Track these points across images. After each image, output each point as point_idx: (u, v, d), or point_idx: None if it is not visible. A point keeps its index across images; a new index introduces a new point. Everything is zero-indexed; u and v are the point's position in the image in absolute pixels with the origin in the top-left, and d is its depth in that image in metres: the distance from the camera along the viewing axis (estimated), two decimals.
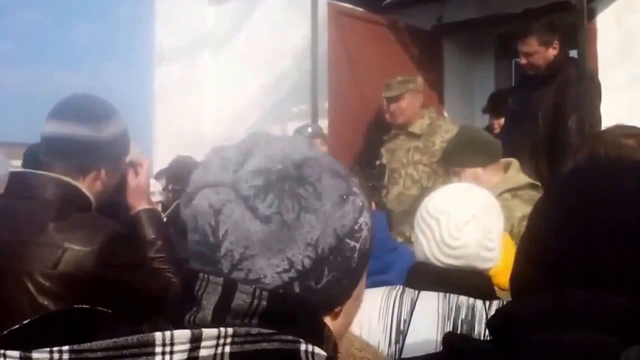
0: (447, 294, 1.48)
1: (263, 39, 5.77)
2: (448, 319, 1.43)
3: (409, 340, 1.45)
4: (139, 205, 1.76)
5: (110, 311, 0.73)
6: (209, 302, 0.68)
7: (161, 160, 5.11)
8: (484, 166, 2.82)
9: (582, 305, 0.67)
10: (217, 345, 0.63)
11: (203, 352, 0.62)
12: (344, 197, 0.74)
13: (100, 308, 0.73)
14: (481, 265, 1.51)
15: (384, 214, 2.20)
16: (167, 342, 0.61)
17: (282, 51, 5.58)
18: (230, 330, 0.63)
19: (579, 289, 0.68)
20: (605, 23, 4.40)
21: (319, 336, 0.71)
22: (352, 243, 0.74)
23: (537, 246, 0.76)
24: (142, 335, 0.61)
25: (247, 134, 0.77)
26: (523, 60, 3.70)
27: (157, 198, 4.35)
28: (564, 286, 0.69)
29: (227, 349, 0.63)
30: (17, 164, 3.61)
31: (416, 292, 1.52)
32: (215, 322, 0.66)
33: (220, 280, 0.68)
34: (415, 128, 3.90)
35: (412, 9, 5.17)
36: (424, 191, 3.73)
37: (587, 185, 0.75)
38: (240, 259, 0.69)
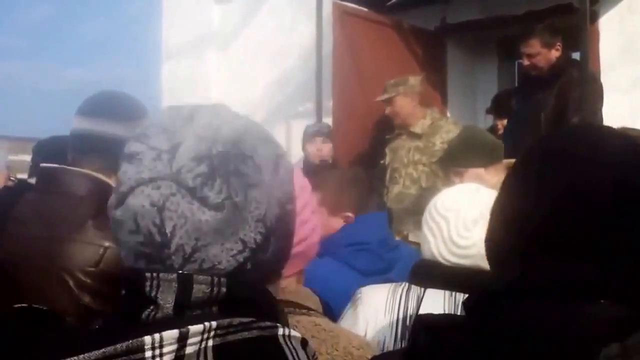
0: (453, 292, 1.47)
1: (269, 37, 5.77)
2: None
3: None
4: None
5: (46, 309, 0.71)
6: (167, 301, 0.65)
7: None
8: (486, 167, 2.81)
9: (549, 274, 0.66)
10: (201, 341, 0.61)
11: (189, 350, 0.61)
12: (277, 162, 0.72)
13: (36, 306, 0.71)
14: (487, 265, 1.50)
15: (385, 214, 2.19)
16: (157, 344, 0.60)
17: (288, 50, 5.57)
18: (214, 324, 0.62)
19: (547, 258, 0.67)
20: (607, 25, 4.38)
21: (276, 313, 0.71)
22: (290, 206, 0.74)
23: (511, 215, 0.74)
24: (130, 342, 0.59)
25: (164, 113, 0.72)
26: (526, 62, 3.69)
27: None
28: (537, 254, 0.68)
29: (210, 342, 0.62)
30: (26, 159, 3.61)
31: (422, 289, 1.51)
32: (177, 318, 0.65)
33: (173, 276, 0.65)
34: (417, 128, 3.89)
35: (416, 10, 5.16)
36: (424, 191, 3.73)
37: (559, 150, 0.73)
38: (193, 252, 0.66)
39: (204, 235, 0.66)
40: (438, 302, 1.46)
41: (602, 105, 3.52)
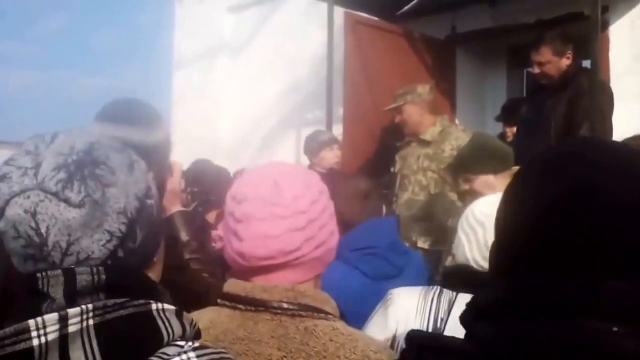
0: None
1: (280, 46, 5.79)
2: None
3: None
4: (173, 208, 1.74)
5: None
6: (57, 293, 0.76)
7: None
8: (495, 173, 2.80)
9: (532, 292, 0.65)
10: (81, 321, 0.72)
11: (71, 329, 0.71)
12: (131, 165, 0.85)
13: None
14: None
15: (394, 219, 2.17)
16: (40, 326, 0.70)
17: (299, 59, 5.59)
18: (90, 306, 0.73)
19: (530, 276, 0.67)
20: (618, 33, 4.36)
21: (155, 291, 0.82)
22: (150, 201, 0.86)
23: (500, 234, 0.75)
24: (17, 325, 0.70)
25: (28, 140, 0.82)
26: (536, 70, 3.67)
27: None
28: (525, 270, 0.68)
29: (91, 321, 0.72)
30: None
31: (454, 293, 1.51)
32: (69, 305, 0.75)
33: (58, 272, 0.76)
34: (427, 135, 3.88)
35: (426, 19, 5.17)
36: (432, 198, 3.72)
37: (547, 165, 0.71)
38: (68, 246, 0.77)
39: (73, 230, 0.77)
40: None
41: (612, 112, 3.50)
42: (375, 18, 4.90)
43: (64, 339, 0.71)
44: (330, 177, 3.85)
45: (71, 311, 0.72)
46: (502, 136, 4.69)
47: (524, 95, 5.43)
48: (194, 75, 6.39)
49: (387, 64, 4.70)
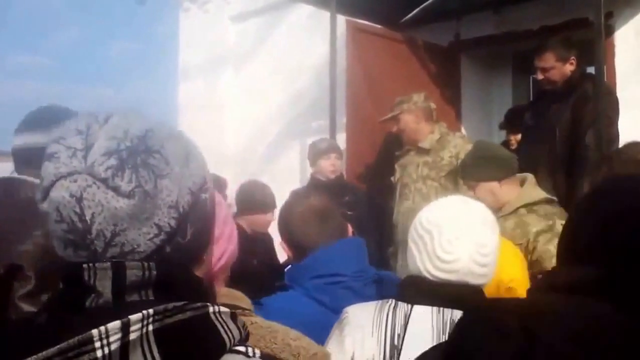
0: (441, 308, 1.41)
1: (283, 56, 5.76)
2: (443, 334, 1.36)
3: (404, 355, 1.37)
4: None
5: None
6: (105, 287, 0.71)
7: None
8: (499, 180, 2.76)
9: (564, 277, 0.83)
10: (142, 327, 0.68)
11: (133, 336, 0.67)
12: (187, 156, 0.79)
13: None
14: (473, 280, 1.44)
15: (361, 240, 1.83)
16: (104, 335, 0.66)
17: (302, 68, 5.55)
18: (151, 311, 0.68)
19: (564, 264, 0.87)
20: (623, 39, 4.28)
21: (203, 291, 0.78)
22: (205, 195, 0.80)
23: (570, 235, 0.91)
24: (81, 336, 0.65)
25: (80, 117, 0.77)
26: (540, 76, 3.62)
27: None
28: (561, 262, 0.90)
29: (150, 327, 0.68)
30: None
31: (409, 306, 1.44)
32: (117, 301, 0.71)
33: (107, 264, 0.71)
34: (425, 143, 3.85)
35: (429, 26, 5.11)
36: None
37: (608, 205, 0.87)
38: (112, 236, 0.72)
39: (120, 220, 0.71)
40: (426, 319, 1.41)
41: (618, 118, 3.43)
42: (378, 26, 4.85)
43: (124, 348, 0.67)
44: (334, 187, 3.79)
45: (133, 318, 0.67)
46: (506, 144, 4.62)
47: (531, 100, 5.36)
48: (199, 85, 6.38)
49: (390, 72, 4.64)
